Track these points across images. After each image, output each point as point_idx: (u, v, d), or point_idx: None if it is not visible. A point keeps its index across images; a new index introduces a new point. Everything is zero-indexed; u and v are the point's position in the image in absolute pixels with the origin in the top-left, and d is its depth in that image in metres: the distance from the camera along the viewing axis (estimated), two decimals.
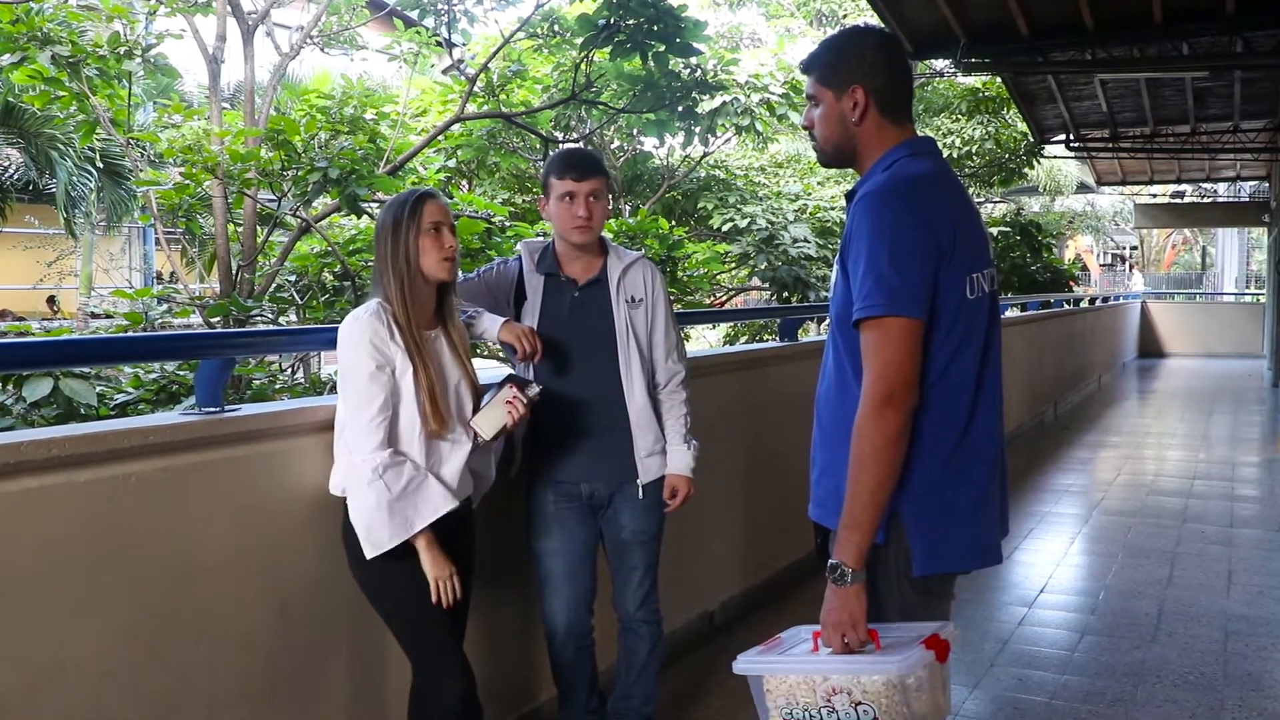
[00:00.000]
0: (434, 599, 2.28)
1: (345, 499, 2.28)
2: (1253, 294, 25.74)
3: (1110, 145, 14.54)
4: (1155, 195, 27.29)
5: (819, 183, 12.44)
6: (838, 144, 2.01)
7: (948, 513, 1.88)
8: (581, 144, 10.10)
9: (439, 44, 8.54)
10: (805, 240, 10.09)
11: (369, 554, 2.23)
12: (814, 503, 2.02)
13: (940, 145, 12.22)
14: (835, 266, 1.94)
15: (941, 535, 1.88)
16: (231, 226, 6.96)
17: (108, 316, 12.32)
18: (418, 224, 2.33)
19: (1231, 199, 26.19)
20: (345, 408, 2.29)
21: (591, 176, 2.73)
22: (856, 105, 1.94)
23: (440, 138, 8.32)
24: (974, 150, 14.66)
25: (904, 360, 1.78)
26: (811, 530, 2.04)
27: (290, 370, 6.53)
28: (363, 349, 2.25)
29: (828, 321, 1.98)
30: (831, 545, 1.83)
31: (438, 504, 2.27)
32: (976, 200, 16.59)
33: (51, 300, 16.92)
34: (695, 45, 7.14)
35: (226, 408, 2.32)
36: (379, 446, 2.23)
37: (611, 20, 6.80)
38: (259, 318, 5.98)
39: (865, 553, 1.79)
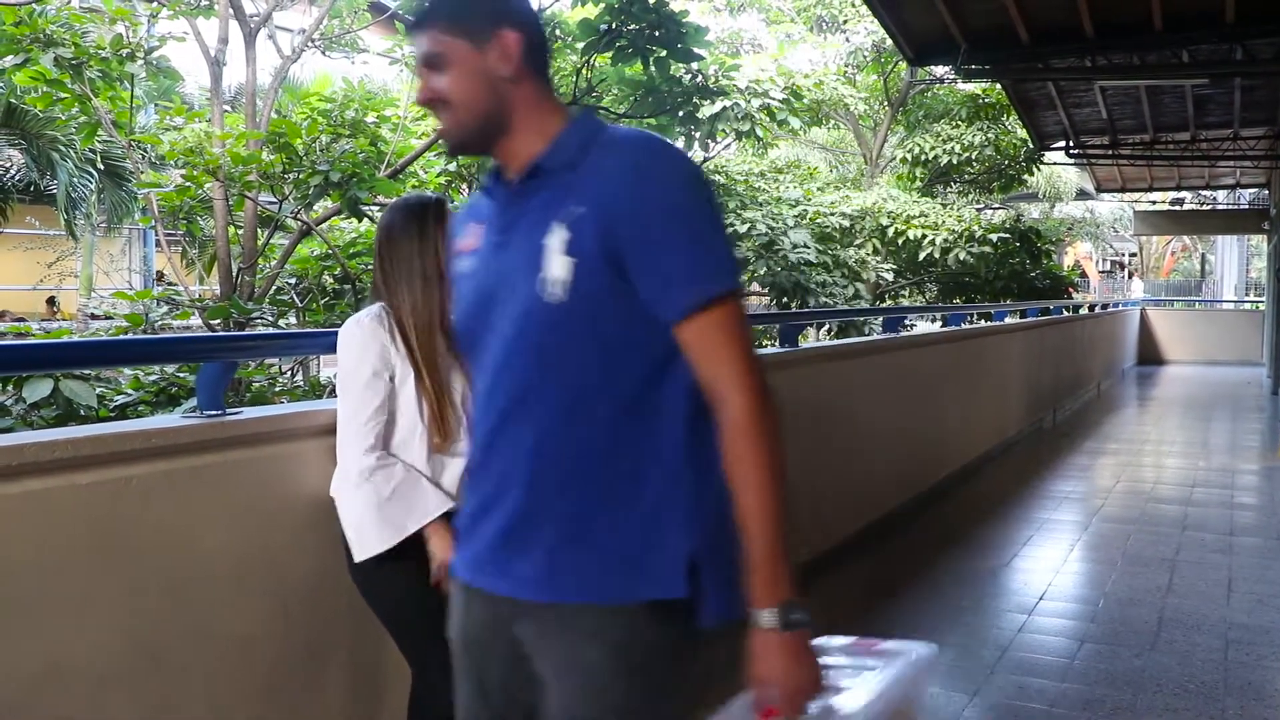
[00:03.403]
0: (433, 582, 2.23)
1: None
2: (1252, 301, 25.78)
3: (1110, 152, 14.56)
4: (1155, 202, 27.34)
5: (819, 188, 12.46)
6: (486, 114, 1.39)
7: (736, 551, 1.45)
8: None
9: None
10: (805, 246, 10.10)
11: (358, 557, 2.23)
12: (544, 573, 1.44)
13: (941, 151, 12.18)
14: (566, 259, 1.34)
15: (737, 576, 1.45)
16: (232, 229, 6.97)
17: (108, 318, 12.32)
18: (446, 230, 2.31)
19: (1231, 206, 26.24)
20: (342, 412, 2.29)
21: None
22: (509, 58, 1.38)
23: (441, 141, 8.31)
24: (974, 156, 14.67)
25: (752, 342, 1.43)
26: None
27: (290, 373, 6.54)
28: (362, 353, 2.25)
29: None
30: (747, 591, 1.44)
31: (430, 506, 2.26)
32: (976, 206, 16.60)
33: (51, 301, 16.94)
34: (696, 50, 7.15)
35: (228, 411, 2.32)
36: (369, 449, 2.23)
37: (613, 25, 6.81)
38: (259, 320, 5.98)
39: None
